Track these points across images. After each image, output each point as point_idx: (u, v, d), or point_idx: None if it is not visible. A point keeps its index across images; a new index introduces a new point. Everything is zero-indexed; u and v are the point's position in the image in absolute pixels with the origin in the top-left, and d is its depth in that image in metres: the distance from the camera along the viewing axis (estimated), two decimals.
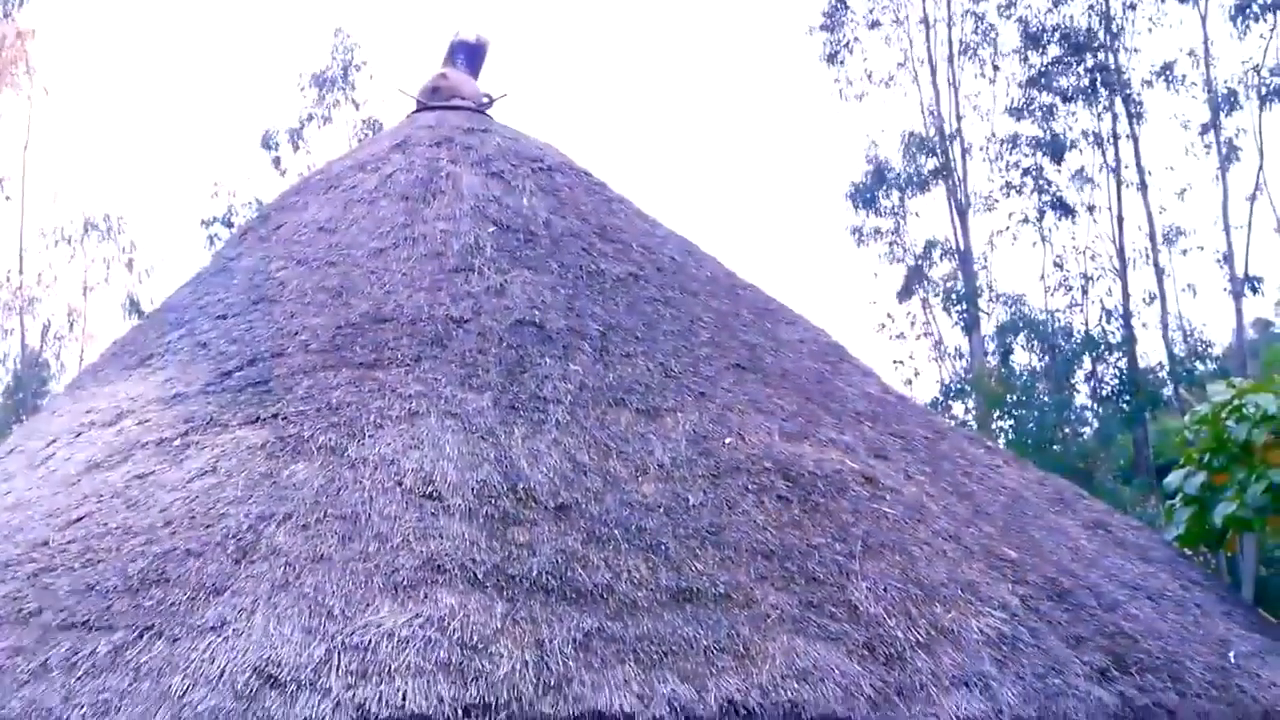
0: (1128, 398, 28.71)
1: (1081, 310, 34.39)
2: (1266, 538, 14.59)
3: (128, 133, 61.49)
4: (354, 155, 13.95)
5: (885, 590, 8.01)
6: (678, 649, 7.03)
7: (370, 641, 6.57)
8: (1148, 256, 32.28)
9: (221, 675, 6.31)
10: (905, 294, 37.39)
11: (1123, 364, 30.38)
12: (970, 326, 33.41)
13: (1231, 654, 9.07)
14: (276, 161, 37.00)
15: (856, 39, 37.99)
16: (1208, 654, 8.88)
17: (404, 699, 6.20)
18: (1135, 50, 34.62)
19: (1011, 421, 29.10)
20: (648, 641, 7.03)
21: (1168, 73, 33.81)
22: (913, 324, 37.59)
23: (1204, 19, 33.18)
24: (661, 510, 8.28)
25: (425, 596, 6.99)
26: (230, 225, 34.15)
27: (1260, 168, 31.52)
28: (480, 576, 7.23)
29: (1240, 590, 15.14)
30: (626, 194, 13.57)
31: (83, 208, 50.59)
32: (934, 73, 36.72)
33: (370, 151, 13.56)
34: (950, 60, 36.54)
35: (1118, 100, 33.41)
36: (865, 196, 36.70)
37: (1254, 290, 30.59)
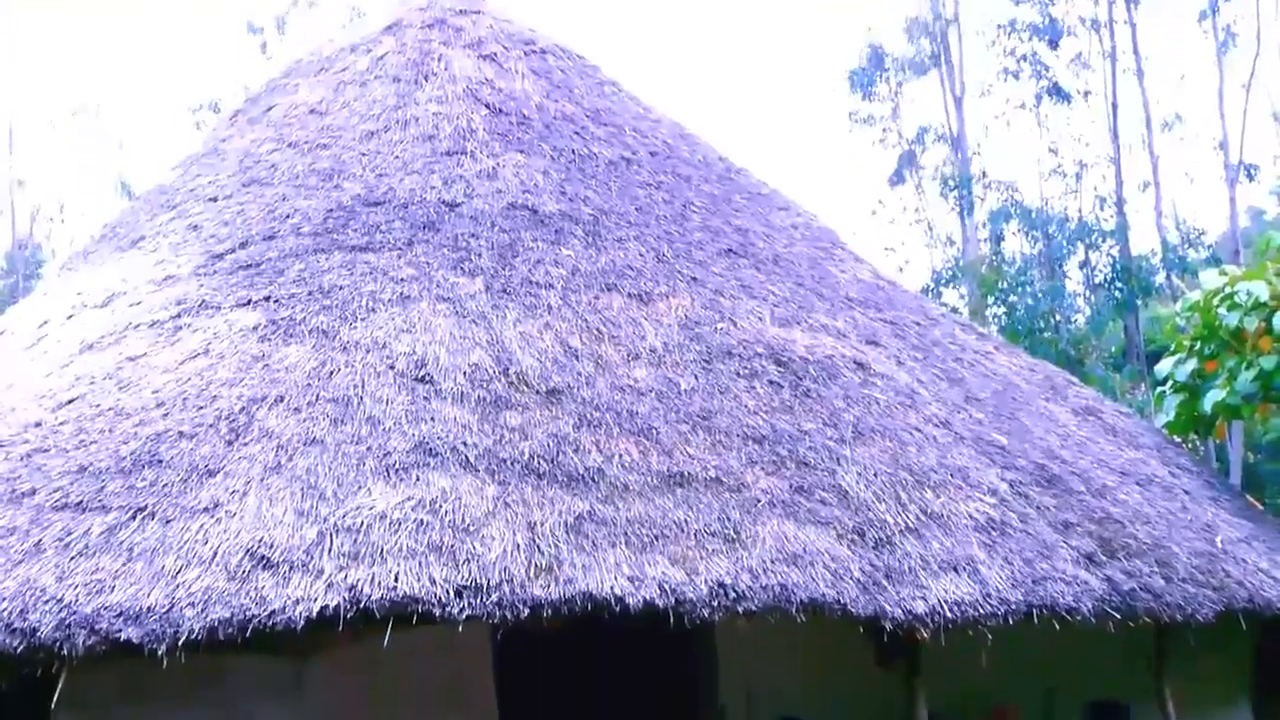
0: (1120, 285, 28.59)
1: (1076, 197, 34.24)
2: (1255, 424, 14.68)
3: (110, 21, 60.78)
4: (345, 37, 13.81)
5: (875, 475, 8.05)
6: (668, 532, 7.06)
7: (362, 524, 6.60)
8: (1143, 143, 32.06)
9: (214, 556, 6.34)
10: (897, 178, 37.21)
11: (1115, 251, 30.21)
12: (964, 212, 33.25)
13: (1218, 539, 9.14)
14: (263, 47, 36.61)
15: None
16: (1195, 539, 8.95)
17: (396, 580, 6.22)
18: None
19: (1003, 308, 29.02)
20: (638, 525, 7.06)
21: None
22: (904, 210, 37.45)
23: None
24: (653, 395, 8.29)
25: (417, 479, 7.01)
26: (217, 111, 33.83)
27: (1257, 55, 31.21)
28: (472, 460, 7.25)
29: (1228, 476, 15.27)
30: (620, 78, 13.47)
31: (71, 92, 50.15)
32: None
33: (361, 33, 13.43)
34: None
35: None
36: (863, 81, 36.41)
37: (1250, 178, 30.39)
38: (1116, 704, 9.20)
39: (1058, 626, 7.51)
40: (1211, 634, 8.62)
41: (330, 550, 6.40)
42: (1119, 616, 7.74)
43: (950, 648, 7.23)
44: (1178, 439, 12.72)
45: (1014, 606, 7.35)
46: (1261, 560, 9.18)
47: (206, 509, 6.71)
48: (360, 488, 6.90)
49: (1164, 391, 11.97)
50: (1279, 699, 11.54)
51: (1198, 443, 17.18)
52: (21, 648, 5.79)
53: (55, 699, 6.03)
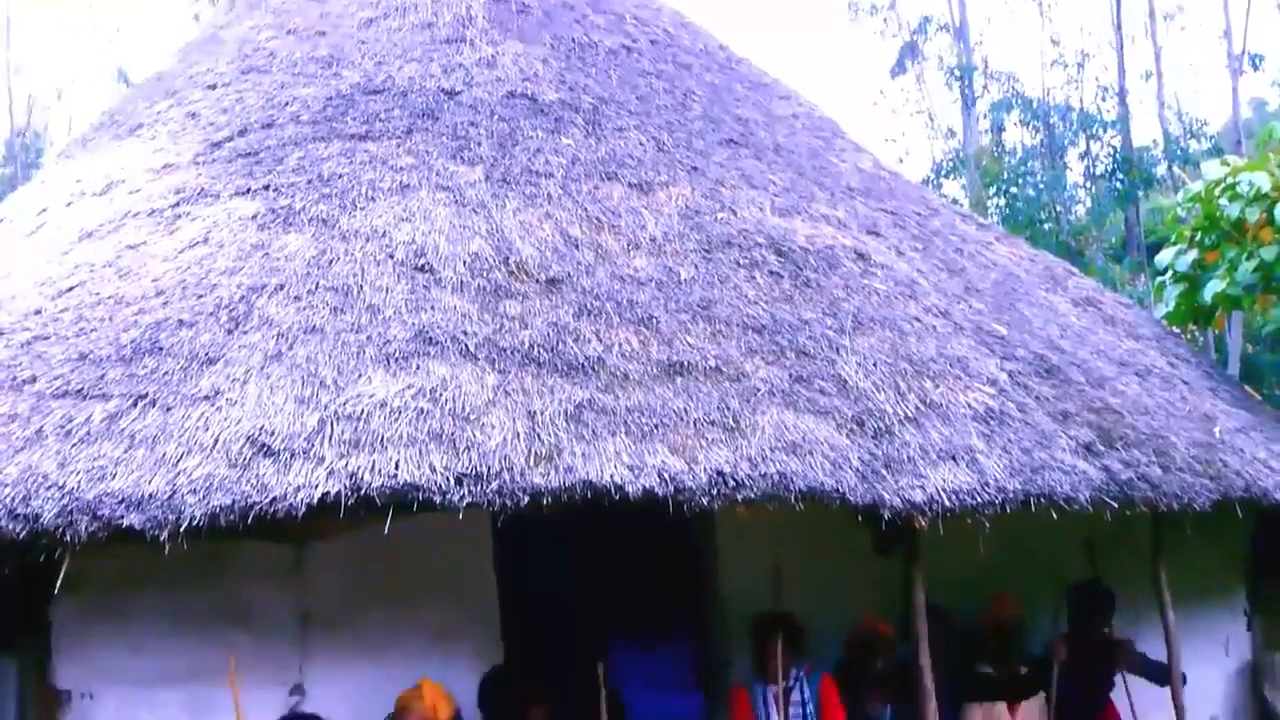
0: (1121, 176, 28.42)
1: (1077, 88, 33.98)
2: (1254, 316, 14.68)
3: None
4: None
5: (875, 365, 8.05)
6: (668, 421, 7.08)
7: (363, 412, 6.61)
8: (1146, 32, 31.78)
9: (216, 444, 6.36)
10: (899, 69, 36.98)
11: (1116, 142, 30.00)
12: (965, 103, 33.06)
13: (1216, 429, 9.16)
14: None
15: None
16: (1193, 429, 8.97)
17: (396, 468, 6.24)
18: None
19: (1004, 200, 28.90)
20: (638, 414, 7.08)
21: None
22: (905, 101, 37.26)
23: None
24: (653, 284, 8.28)
25: (417, 368, 7.02)
26: (214, 2, 33.47)
27: None
28: (472, 348, 7.25)
29: (1227, 367, 15.30)
30: None
31: None
32: None
33: None
34: None
35: None
36: None
37: (1255, 67, 30.10)
38: (1098, 582, 9.26)
39: (1055, 516, 7.55)
40: (1208, 523, 8.67)
41: (331, 438, 6.42)
42: (1116, 506, 7.77)
43: (948, 536, 7.27)
44: (1177, 330, 12.74)
45: (1012, 495, 7.38)
46: (1259, 450, 9.21)
47: (207, 397, 6.72)
48: (360, 376, 6.91)
49: (1164, 282, 11.94)
50: (1274, 585, 11.65)
51: (1197, 334, 17.22)
52: (24, 533, 5.83)
53: (58, 584, 6.07)
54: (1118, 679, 9.29)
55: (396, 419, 6.55)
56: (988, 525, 7.29)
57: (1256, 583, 11.77)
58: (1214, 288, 11.02)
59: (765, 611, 8.17)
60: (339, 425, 6.51)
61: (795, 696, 8.14)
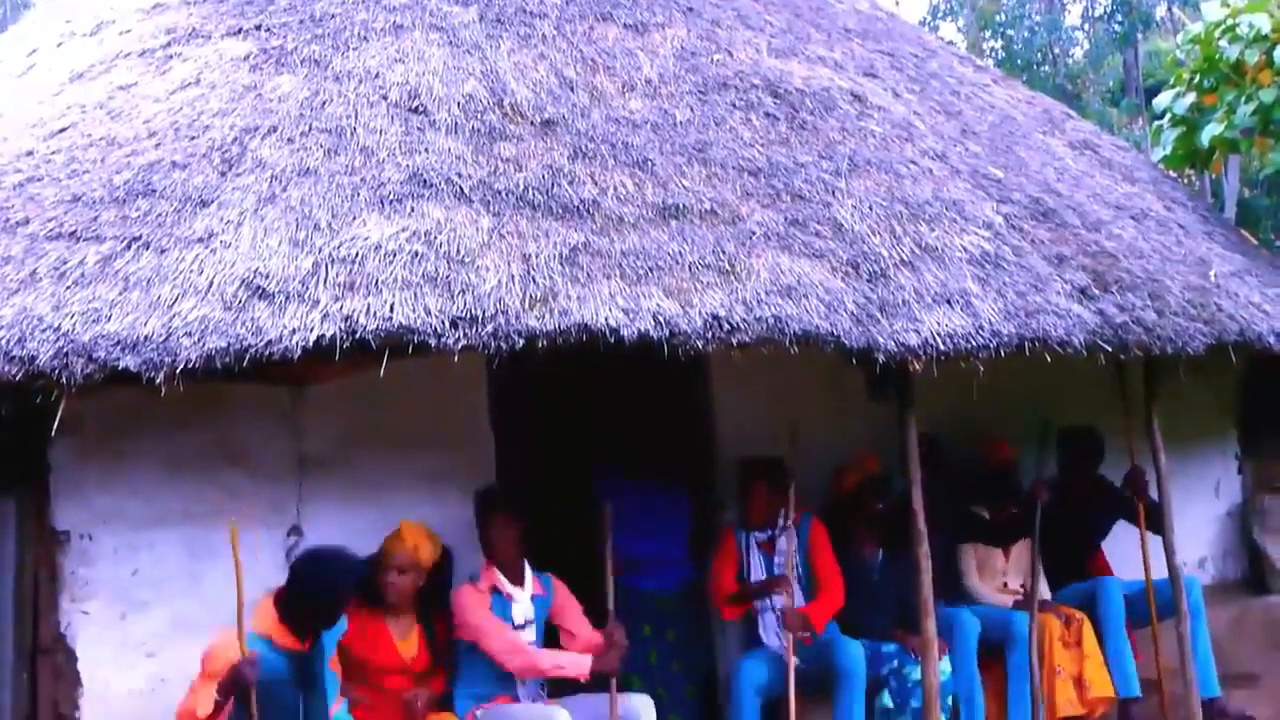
0: (1119, 18, 28.12)
1: None
2: (1252, 159, 14.62)
3: None
4: None
5: (870, 208, 8.03)
6: (663, 264, 7.06)
7: (357, 254, 6.58)
8: None
9: (210, 286, 6.33)
10: None
11: None
12: None
13: (1212, 273, 9.17)
14: None
15: None
16: (1188, 273, 8.98)
17: (391, 311, 6.22)
18: None
19: (1000, 42, 28.64)
20: (633, 257, 7.06)
21: None
22: None
23: None
24: (648, 126, 8.22)
25: (411, 210, 6.98)
26: None
27: None
28: (466, 191, 7.21)
29: (1223, 211, 15.26)
30: None
31: None
32: None
33: None
34: None
35: None
36: None
37: None
38: (1090, 428, 9.33)
39: (1049, 360, 7.57)
40: (1201, 367, 8.71)
41: (325, 281, 6.40)
42: (1110, 349, 7.80)
43: (942, 380, 7.30)
44: (1174, 173, 12.69)
45: (1006, 339, 7.39)
46: (1253, 294, 9.22)
47: (201, 239, 6.69)
48: (355, 218, 6.87)
49: (1161, 125, 11.88)
50: (1265, 429, 11.75)
51: (1194, 177, 17.15)
52: (20, 375, 5.82)
53: (55, 426, 6.09)
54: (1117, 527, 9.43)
55: (391, 262, 6.53)
56: (982, 369, 7.31)
57: (1248, 426, 11.88)
58: (1211, 131, 10.97)
59: (750, 456, 8.21)
60: (333, 268, 6.49)
61: (780, 545, 8.21)
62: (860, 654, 7.98)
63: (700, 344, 6.67)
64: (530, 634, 7.38)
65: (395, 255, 6.58)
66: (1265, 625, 10.39)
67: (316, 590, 6.42)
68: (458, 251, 6.71)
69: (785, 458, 8.14)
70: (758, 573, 8.24)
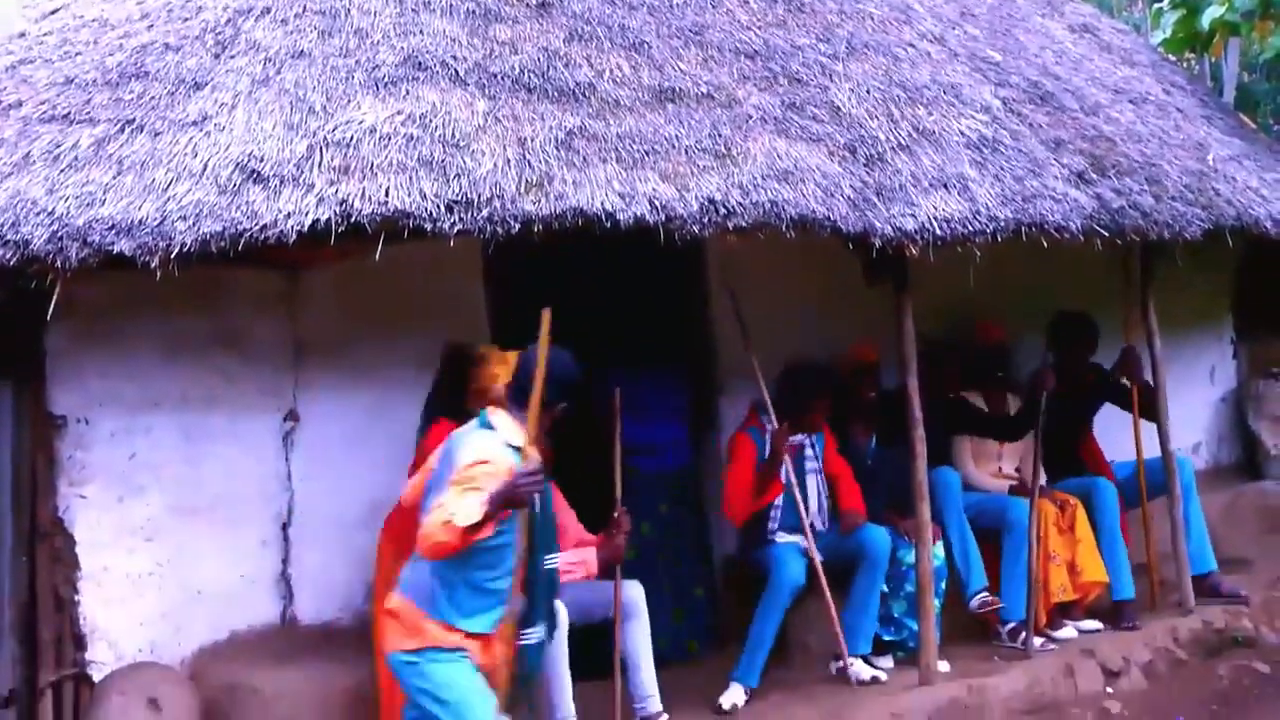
0: None
1: None
2: (1252, 42, 14.51)
3: None
4: None
5: (868, 92, 7.99)
6: (659, 148, 7.02)
7: (352, 137, 6.54)
8: None
9: (205, 169, 6.31)
10: None
11: None
12: None
13: (1210, 157, 9.14)
14: None
15: None
16: (1186, 158, 8.96)
17: (386, 195, 6.20)
18: None
19: None
20: (629, 141, 7.02)
21: None
22: None
23: None
24: (644, 8, 8.14)
25: (406, 93, 6.92)
26: None
27: None
28: (462, 74, 7.15)
29: (1222, 95, 15.16)
30: None
31: None
32: None
33: None
34: None
35: None
36: None
37: None
38: (1083, 313, 9.32)
39: (1046, 245, 7.57)
40: (1198, 252, 8.72)
41: (320, 164, 6.36)
42: (1107, 234, 7.80)
43: (938, 266, 7.31)
44: (1173, 57, 12.60)
45: (1003, 224, 7.39)
46: (1251, 179, 9.21)
47: (195, 122, 6.66)
48: (349, 101, 6.82)
49: (1161, 8, 11.83)
50: (1260, 314, 11.77)
51: (1193, 61, 17.01)
52: (15, 260, 5.83)
53: (51, 311, 6.09)
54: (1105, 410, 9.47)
55: (386, 145, 6.49)
56: (979, 254, 7.31)
57: (1243, 311, 11.89)
58: (1212, 14, 10.90)
59: (803, 364, 8.20)
60: (328, 151, 6.45)
61: (809, 453, 8.24)
62: (887, 540, 8.02)
63: (696, 229, 6.66)
64: None
65: (390, 139, 6.54)
66: (1258, 510, 10.46)
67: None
68: (453, 135, 6.67)
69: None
70: (783, 476, 8.22)
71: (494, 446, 5.46)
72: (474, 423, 5.71)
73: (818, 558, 7.90)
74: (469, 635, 5.44)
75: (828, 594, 7.72)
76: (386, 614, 5.62)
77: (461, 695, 5.37)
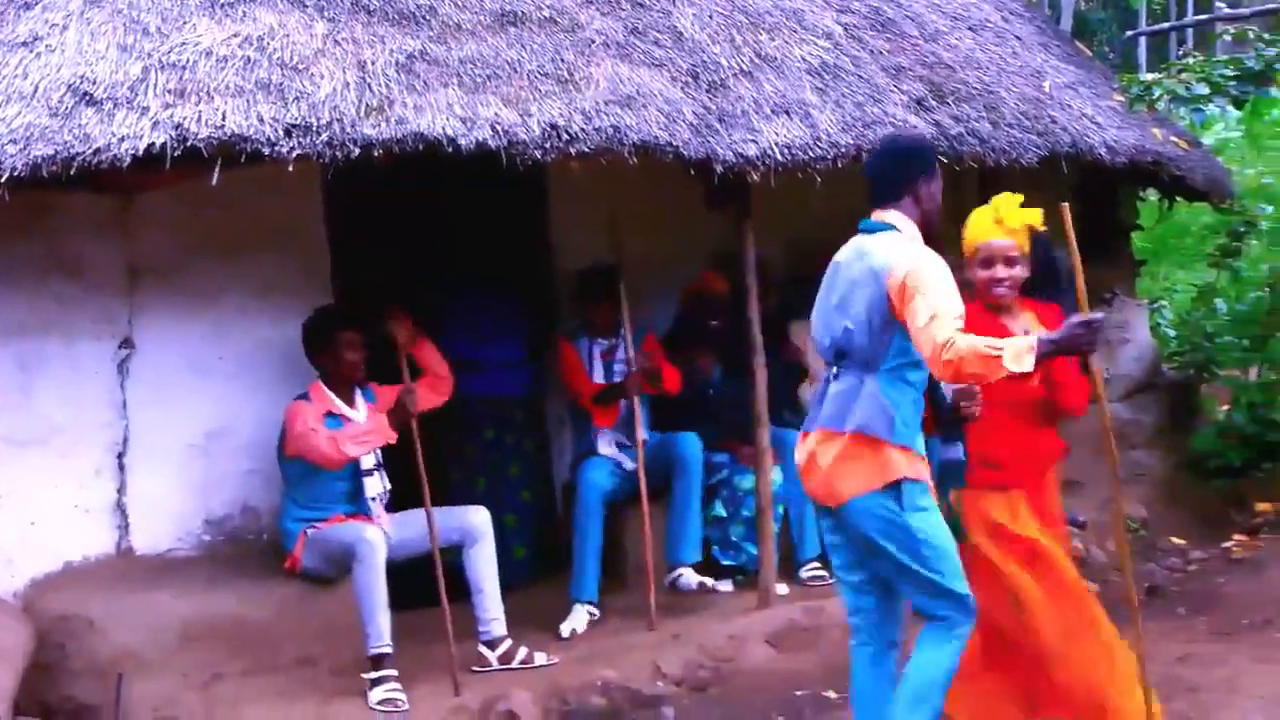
0: None
1: None
2: None
3: None
4: None
5: (710, 18, 8.02)
6: (501, 73, 7.01)
7: (188, 60, 6.43)
8: None
9: (35, 92, 6.17)
10: None
11: None
12: None
13: (1046, 85, 9.29)
14: None
15: None
16: (1023, 85, 9.10)
17: (223, 119, 6.11)
18: None
19: None
20: (471, 65, 7.00)
21: None
22: None
23: None
24: None
25: (244, 15, 6.82)
26: None
27: None
28: None
29: (1059, 23, 15.41)
30: None
31: None
32: None
33: None
34: None
35: None
36: None
37: None
38: None
39: None
40: (1035, 178, 8.86)
41: (155, 87, 6.25)
42: (946, 160, 7.89)
43: (780, 192, 7.37)
44: None
45: (844, 149, 7.48)
46: (1086, 106, 9.37)
47: (25, 43, 6.52)
48: (185, 23, 6.70)
49: None
50: (1091, 237, 12.02)
51: None
52: None
53: None
54: None
55: (223, 68, 6.40)
56: (819, 180, 7.39)
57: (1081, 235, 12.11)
58: None
59: (594, 264, 8.22)
60: (164, 74, 6.34)
61: (620, 354, 8.25)
62: (698, 444, 8.14)
63: (538, 154, 6.67)
64: (375, 456, 7.36)
65: (227, 61, 6.46)
66: (1089, 434, 10.68)
67: None
68: (291, 58, 6.60)
69: (618, 259, 8.13)
70: (599, 380, 8.29)
71: (917, 247, 5.05)
72: (859, 235, 5.30)
73: (629, 465, 8.06)
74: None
75: (645, 503, 7.80)
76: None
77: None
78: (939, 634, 4.95)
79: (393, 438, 7.11)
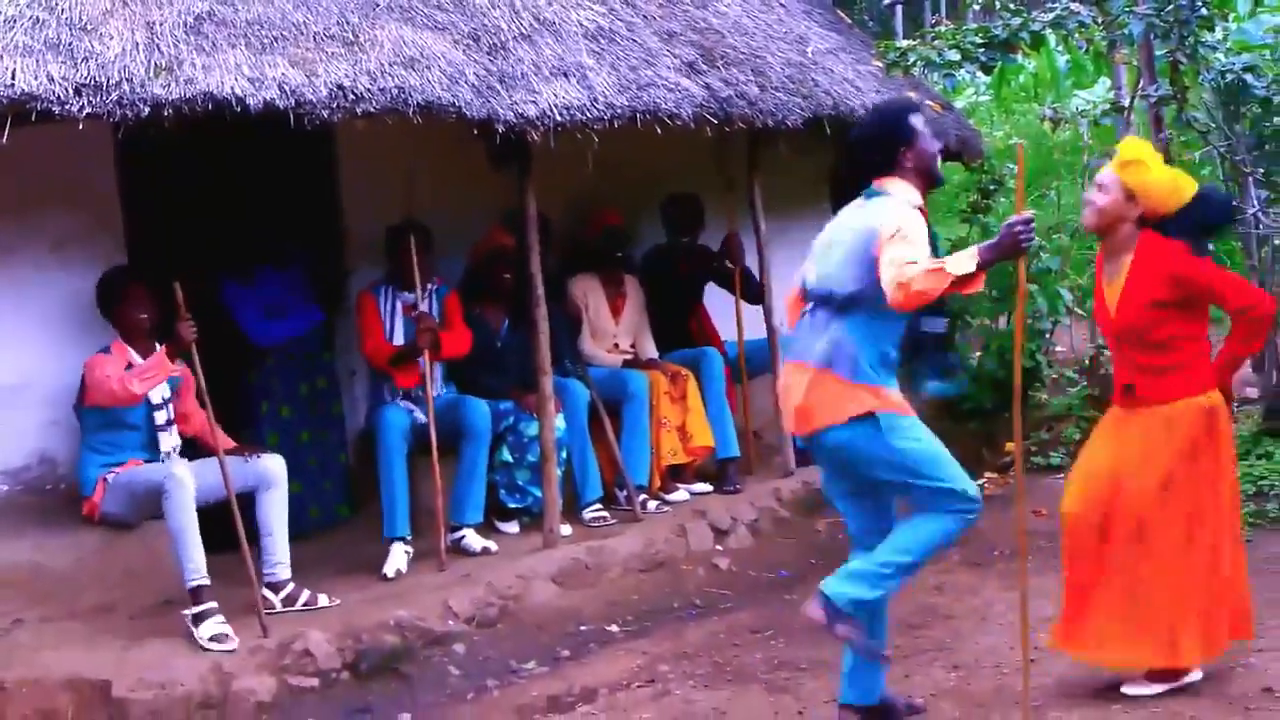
0: None
1: None
2: None
3: None
4: None
5: None
6: (288, 34, 7.15)
7: None
8: None
9: None
10: None
11: None
12: None
13: (809, 50, 9.70)
14: None
15: None
16: (788, 50, 9.50)
17: (13, 78, 6.13)
18: None
19: None
20: (258, 26, 7.11)
21: None
22: None
23: None
24: None
25: None
26: None
27: None
28: None
29: None
30: None
31: None
32: None
33: None
34: None
35: None
36: None
37: None
38: (693, 195, 9.89)
39: (660, 131, 8.00)
40: (801, 139, 9.26)
41: None
42: (716, 122, 8.29)
43: (559, 153, 7.66)
44: None
45: (620, 111, 7.79)
46: (847, 71, 9.81)
47: None
48: None
49: None
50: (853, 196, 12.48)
51: None
52: None
53: None
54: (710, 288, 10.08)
55: (12, 28, 6.40)
56: (597, 140, 7.69)
57: (841, 197, 12.55)
58: None
59: (402, 220, 8.35)
60: None
61: (423, 308, 8.40)
62: (486, 413, 8.39)
63: (325, 114, 6.83)
64: (167, 413, 7.45)
65: (15, 21, 6.45)
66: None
67: None
68: (80, 18, 6.63)
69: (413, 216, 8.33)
70: (400, 335, 8.42)
71: (906, 210, 5.25)
72: (860, 199, 5.52)
73: (421, 418, 8.28)
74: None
75: (435, 451, 8.01)
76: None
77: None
78: (947, 514, 5.17)
79: (175, 370, 7.21)
